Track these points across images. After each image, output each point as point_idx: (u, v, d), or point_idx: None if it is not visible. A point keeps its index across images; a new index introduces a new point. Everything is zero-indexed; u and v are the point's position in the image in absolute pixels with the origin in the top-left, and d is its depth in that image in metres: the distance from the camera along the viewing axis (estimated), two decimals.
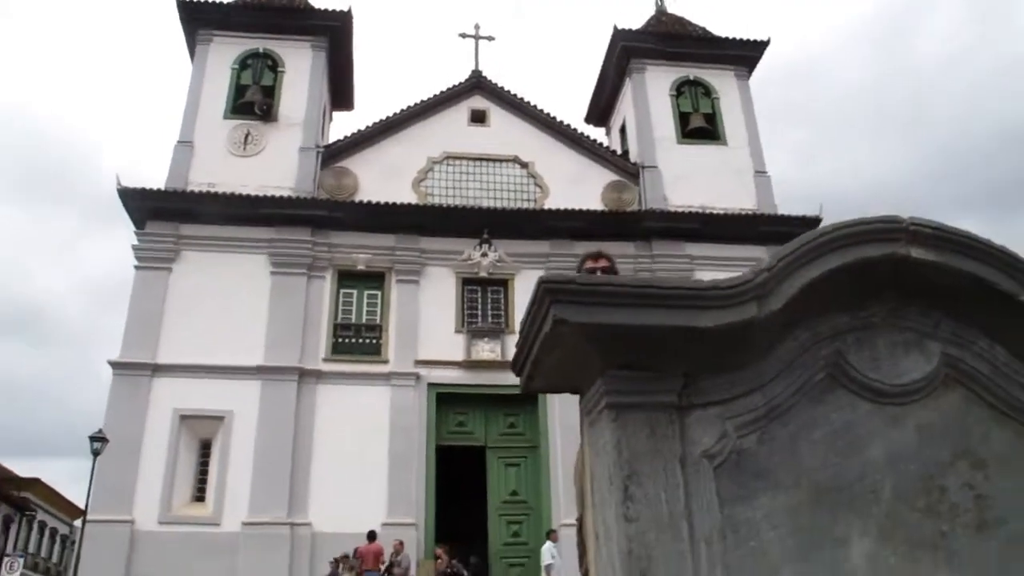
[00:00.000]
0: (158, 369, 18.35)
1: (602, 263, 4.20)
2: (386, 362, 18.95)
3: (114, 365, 18.34)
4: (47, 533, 46.62)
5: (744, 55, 23.21)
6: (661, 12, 25.20)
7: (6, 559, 27.52)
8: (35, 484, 43.78)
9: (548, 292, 2.35)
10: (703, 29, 24.06)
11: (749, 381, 2.59)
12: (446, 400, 19.04)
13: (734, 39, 23.20)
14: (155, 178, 20.19)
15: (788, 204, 21.27)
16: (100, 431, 16.75)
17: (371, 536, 16.14)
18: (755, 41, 23.26)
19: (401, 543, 16.08)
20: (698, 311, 2.40)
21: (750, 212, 20.74)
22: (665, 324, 2.38)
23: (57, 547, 47.92)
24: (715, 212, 20.56)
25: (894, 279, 2.77)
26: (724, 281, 2.47)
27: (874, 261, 2.69)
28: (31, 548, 44.78)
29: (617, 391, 2.46)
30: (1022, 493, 2.67)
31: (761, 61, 23.61)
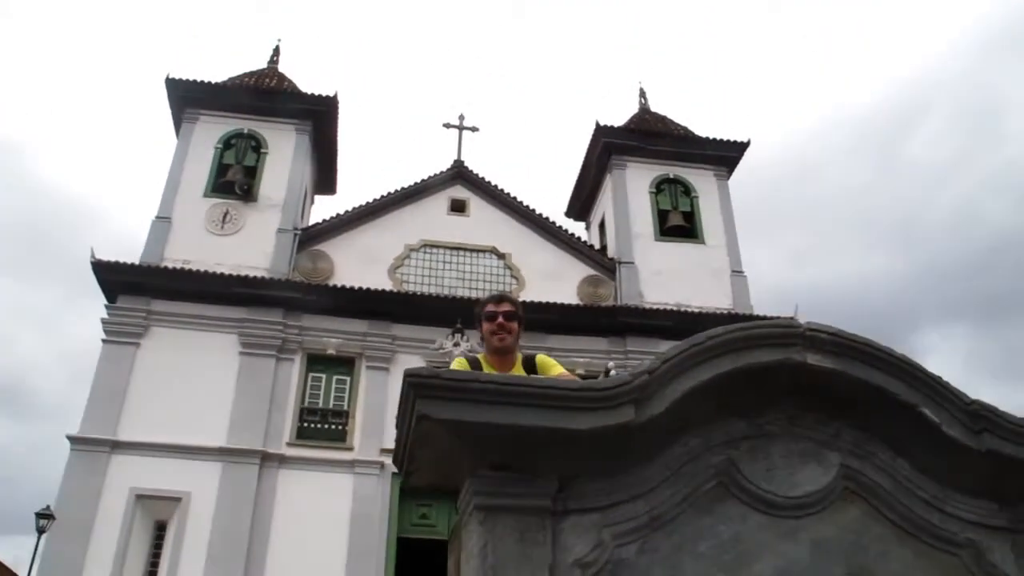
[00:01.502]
0: (117, 446, 17.88)
1: (504, 308, 3.83)
2: (351, 449, 18.56)
3: (72, 440, 17.87)
4: None
5: (724, 155, 23.49)
6: (644, 110, 25.62)
7: None
8: None
9: (412, 387, 2.25)
10: (685, 128, 24.45)
11: (631, 487, 2.48)
12: (410, 491, 18.62)
13: (714, 139, 23.53)
14: (131, 252, 20.03)
15: (780, 305, 21.34)
16: (47, 507, 16.23)
17: None
18: (735, 142, 23.59)
19: None
20: (571, 412, 2.30)
21: (725, 311, 20.71)
22: (535, 424, 2.28)
23: None
24: (690, 310, 20.51)
25: (793, 386, 2.68)
26: (600, 382, 2.37)
27: (769, 367, 2.61)
28: None
29: (486, 492, 2.35)
30: None
31: (743, 161, 23.94)
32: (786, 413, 2.69)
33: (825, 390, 2.67)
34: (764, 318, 20.53)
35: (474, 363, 3.54)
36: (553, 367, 3.68)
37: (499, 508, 2.33)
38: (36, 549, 16.44)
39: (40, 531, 16.11)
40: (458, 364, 3.46)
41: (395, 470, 18.40)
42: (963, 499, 2.71)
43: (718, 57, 76.32)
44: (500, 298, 3.95)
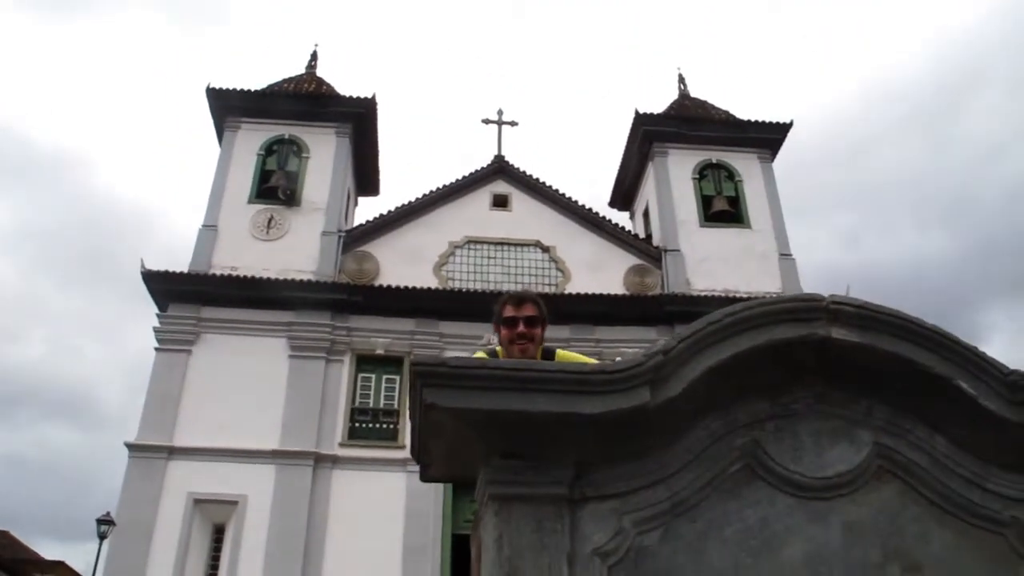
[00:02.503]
0: (174, 451, 18.21)
1: (526, 311, 3.46)
2: (403, 447, 18.61)
3: (130, 447, 18.23)
4: None
5: (767, 137, 23.13)
6: (684, 96, 25.33)
7: None
8: (58, 567, 43.42)
9: (419, 375, 2.20)
10: (726, 112, 24.11)
11: (651, 473, 2.39)
12: (463, 487, 18.66)
13: (756, 122, 23.19)
14: (181, 260, 20.33)
15: (831, 287, 20.85)
16: (107, 514, 16.58)
17: None
18: (778, 124, 23.23)
19: None
20: (582, 396, 2.23)
21: (775, 295, 20.39)
22: (547, 410, 2.21)
23: None
24: (739, 296, 20.20)
25: (819, 362, 2.57)
26: (613, 364, 2.30)
27: (791, 343, 2.50)
28: None
29: (501, 481, 2.29)
30: None
31: (788, 142, 23.53)
32: (813, 391, 2.58)
33: (853, 366, 2.56)
34: None
35: (493, 357, 3.38)
36: (576, 360, 3.42)
37: (514, 497, 2.27)
38: (98, 555, 16.79)
39: (102, 537, 16.47)
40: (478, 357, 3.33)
41: None
42: (1006, 475, 2.57)
43: (757, 36, 75.29)
44: (520, 299, 3.53)
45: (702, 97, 25.52)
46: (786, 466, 2.49)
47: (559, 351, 3.62)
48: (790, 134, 23.42)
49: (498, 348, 3.53)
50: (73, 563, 42.58)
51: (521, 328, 3.41)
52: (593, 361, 3.26)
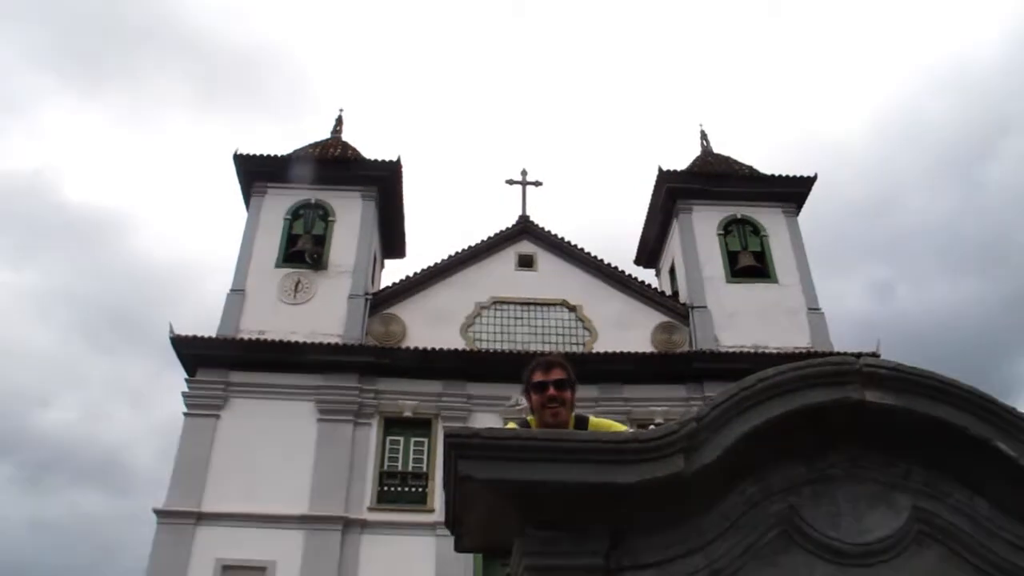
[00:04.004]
0: (202, 517, 18.16)
1: (555, 375, 3.44)
2: (432, 511, 18.46)
3: (159, 513, 18.21)
4: None
5: (792, 191, 23.15)
6: (707, 152, 25.45)
7: None
8: None
9: (453, 447, 2.21)
10: (749, 167, 24.18)
11: (688, 541, 2.37)
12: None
13: (780, 176, 23.24)
14: (209, 325, 20.51)
15: (862, 341, 20.67)
16: None
17: None
18: (802, 177, 23.25)
19: None
20: (617, 466, 2.23)
21: (804, 350, 20.21)
22: (581, 480, 2.21)
23: None
24: (768, 351, 20.06)
25: (854, 426, 2.55)
26: (647, 432, 2.29)
27: (825, 407, 2.49)
28: None
29: (536, 552, 2.28)
30: None
31: (816, 195, 23.62)
32: (848, 455, 2.56)
33: (889, 428, 2.54)
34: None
35: (524, 427, 3.35)
36: (611, 428, 3.37)
37: (550, 568, 2.26)
38: None
39: None
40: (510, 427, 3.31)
41: None
42: None
43: (781, 91, 75.68)
44: (549, 364, 3.50)
45: (725, 152, 25.64)
46: (824, 532, 2.46)
47: (592, 418, 3.60)
48: (816, 186, 23.44)
49: (529, 417, 3.53)
50: None
51: (552, 392, 3.39)
52: (625, 428, 3.24)
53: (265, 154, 22.64)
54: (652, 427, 2.82)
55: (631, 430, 2.82)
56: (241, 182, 22.82)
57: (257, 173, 22.54)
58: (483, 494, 2.24)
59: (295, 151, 23.62)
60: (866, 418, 2.53)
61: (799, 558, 2.43)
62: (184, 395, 19.54)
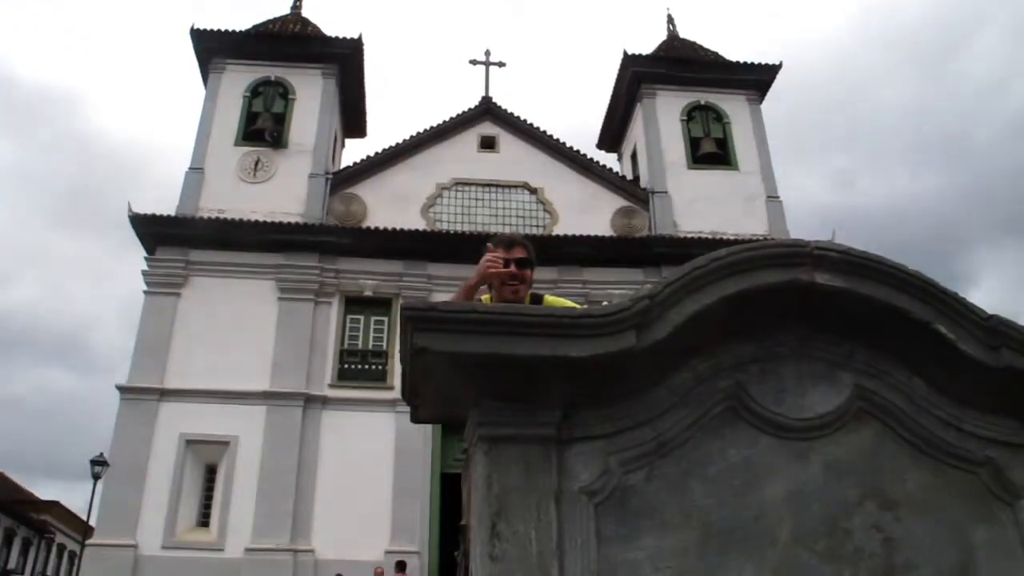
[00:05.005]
0: (165, 394, 18.35)
1: (516, 253, 3.52)
2: (392, 388, 18.78)
3: (122, 389, 18.36)
4: (65, 556, 46.80)
5: (756, 79, 23.04)
6: (673, 37, 25.12)
7: None
8: (54, 507, 44.06)
9: (409, 320, 2.24)
10: (715, 54, 23.93)
11: (637, 414, 2.45)
12: (452, 427, 18.85)
13: (745, 63, 23.06)
14: (169, 203, 20.26)
15: (820, 229, 20.92)
16: (101, 455, 16.76)
17: (402, 566, 15.95)
18: (767, 65, 23.10)
19: (382, 569, 16.01)
20: (570, 340, 2.27)
21: (761, 237, 20.49)
22: (535, 353, 2.25)
23: (75, 570, 48.03)
24: (726, 238, 20.31)
25: (803, 307, 2.62)
26: (599, 308, 2.34)
27: (776, 287, 2.55)
28: (49, 570, 45.03)
29: (490, 423, 2.34)
30: (936, 538, 2.50)
31: (785, 84, 23.59)
32: (796, 334, 2.63)
33: (836, 310, 2.61)
34: None
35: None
36: (563, 305, 3.49)
37: (503, 438, 2.32)
38: (93, 495, 17.00)
39: (96, 477, 16.64)
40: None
41: None
42: (982, 417, 2.64)
43: None
44: (511, 242, 3.59)
45: (692, 38, 25.29)
46: (769, 407, 2.55)
47: (547, 296, 3.68)
48: (786, 76, 23.40)
49: (483, 297, 3.59)
50: (68, 503, 43.19)
51: (512, 269, 3.47)
52: (579, 306, 3.32)
53: (223, 29, 21.90)
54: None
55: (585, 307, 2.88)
56: (199, 58, 22.19)
57: (215, 49, 21.90)
58: (439, 366, 2.29)
59: (254, 26, 22.94)
60: (815, 300, 2.58)
61: (744, 431, 2.52)
62: (144, 273, 19.44)
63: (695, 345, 2.52)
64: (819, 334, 2.65)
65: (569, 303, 3.57)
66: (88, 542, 18.35)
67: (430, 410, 2.61)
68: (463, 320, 2.22)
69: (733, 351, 2.60)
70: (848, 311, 2.62)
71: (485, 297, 3.63)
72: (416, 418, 2.67)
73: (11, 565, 39.10)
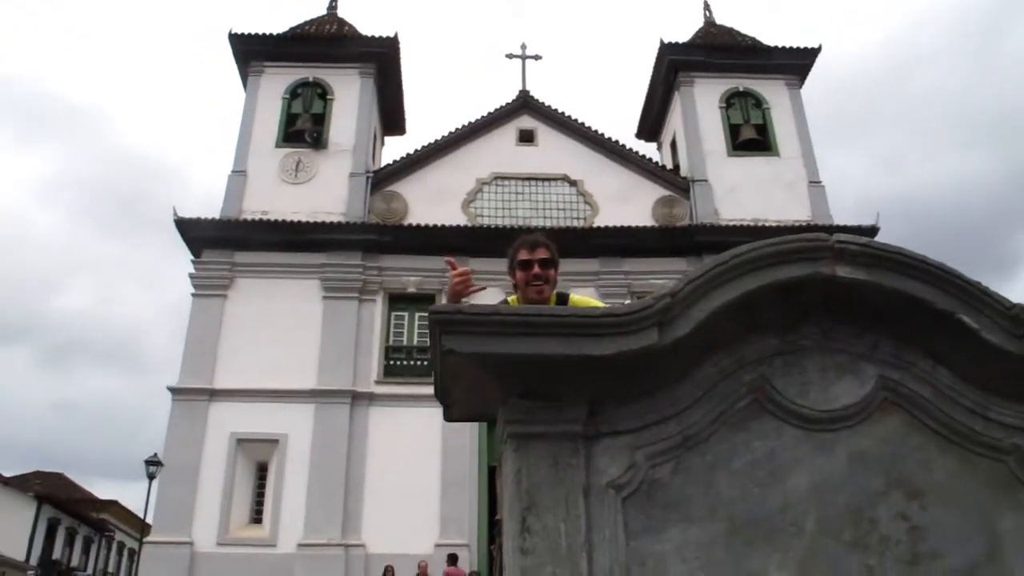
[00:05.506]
0: (215, 394, 18.73)
1: (540, 254, 3.61)
2: None
3: (173, 391, 18.78)
4: (125, 553, 47.89)
5: (795, 64, 22.81)
6: (709, 23, 24.93)
7: None
8: (112, 506, 45.11)
9: (436, 323, 2.32)
10: (752, 39, 23.73)
11: (663, 409, 2.51)
12: (496, 421, 19.01)
13: (783, 48, 22.81)
14: (213, 207, 20.68)
15: (864, 214, 20.71)
16: (155, 455, 17.20)
17: (453, 559, 16.12)
18: (805, 49, 22.84)
19: (426, 563, 16.16)
20: (593, 339, 2.33)
21: (804, 223, 20.31)
22: (559, 353, 2.32)
23: (134, 566, 49.13)
24: (767, 224, 20.19)
25: (825, 300, 2.65)
26: (622, 307, 2.40)
27: (797, 282, 2.59)
28: (110, 567, 46.11)
29: (518, 420, 2.41)
30: (962, 526, 2.52)
31: (831, 67, 23.77)
32: (820, 327, 2.66)
33: (859, 302, 2.63)
34: (843, 228, 20.09)
35: (504, 304, 3.51)
36: (588, 303, 3.58)
37: (531, 435, 2.39)
38: (148, 494, 17.43)
39: (150, 477, 17.07)
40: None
41: None
42: (1008, 405, 2.65)
43: None
44: (534, 243, 3.66)
45: (729, 24, 25.10)
46: (793, 400, 2.59)
47: (572, 295, 3.74)
48: (829, 58, 23.32)
49: (510, 298, 3.66)
50: (126, 502, 44.21)
51: (536, 270, 3.57)
52: (603, 304, 3.39)
53: (260, 33, 22.22)
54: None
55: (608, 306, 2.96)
56: (238, 62, 22.55)
57: (253, 52, 22.25)
58: (466, 367, 2.37)
59: (291, 29, 23.24)
60: (837, 292, 2.62)
61: (768, 424, 2.56)
62: (191, 276, 19.84)
63: (718, 340, 2.57)
64: (842, 326, 2.68)
65: (595, 302, 3.64)
66: (146, 540, 18.82)
67: (462, 409, 2.69)
68: (487, 322, 2.30)
69: (756, 345, 2.64)
70: (871, 303, 2.65)
71: (512, 298, 3.72)
72: (449, 417, 2.76)
73: (74, 563, 40.13)
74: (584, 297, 3.84)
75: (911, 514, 2.51)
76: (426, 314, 12.57)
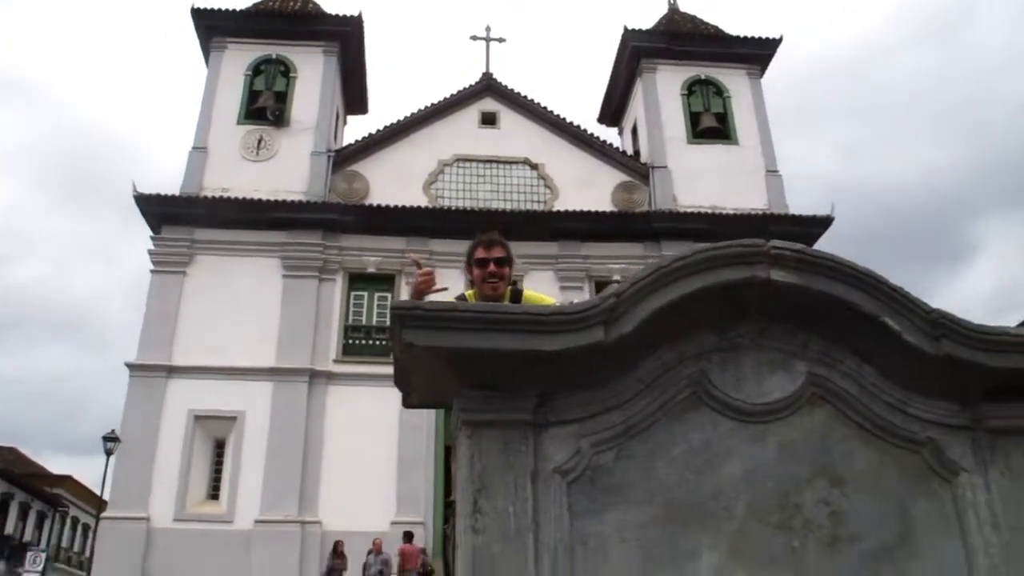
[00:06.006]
0: (173, 371, 18.68)
1: (496, 253, 3.83)
2: None
3: (131, 367, 18.68)
4: (79, 528, 47.53)
5: (756, 53, 23.10)
6: (673, 11, 25.15)
7: (30, 552, 28.22)
8: (66, 481, 44.71)
9: (397, 318, 2.48)
10: (715, 28, 23.97)
11: (607, 400, 2.69)
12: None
13: (745, 37, 23.11)
14: (170, 183, 20.52)
15: (822, 202, 20.99)
16: (113, 431, 17.17)
17: (409, 536, 16.29)
18: (767, 39, 23.16)
19: (380, 541, 16.32)
20: (543, 335, 2.51)
21: (760, 211, 20.69)
22: (511, 348, 2.49)
23: (89, 541, 48.80)
24: (725, 212, 20.52)
25: (762, 301, 2.85)
26: (570, 306, 2.57)
27: (735, 284, 2.78)
28: (64, 542, 45.77)
29: (472, 409, 2.58)
30: (879, 511, 2.74)
31: (794, 56, 23.93)
32: (756, 326, 2.86)
33: (792, 304, 2.84)
34: (799, 217, 20.50)
35: (462, 299, 3.72)
36: (542, 300, 3.79)
37: (483, 423, 2.57)
38: (105, 471, 17.39)
39: (108, 453, 17.04)
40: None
41: None
42: (925, 401, 2.88)
43: None
44: (490, 242, 3.88)
45: (693, 12, 25.32)
46: (729, 393, 2.79)
47: (526, 291, 3.93)
48: (796, 47, 23.79)
49: (467, 292, 3.85)
50: (81, 477, 43.82)
51: (492, 268, 3.77)
52: (555, 301, 3.60)
53: (224, 8, 22.00)
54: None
55: (558, 303, 3.14)
56: (200, 37, 22.32)
57: (216, 28, 22.03)
58: (425, 359, 2.53)
59: (254, 5, 23.07)
60: (772, 295, 2.82)
61: (706, 415, 2.76)
62: (150, 252, 19.71)
63: (661, 337, 2.76)
64: (776, 325, 2.89)
65: (548, 299, 3.84)
66: (102, 515, 18.77)
67: (419, 397, 2.85)
68: (445, 318, 2.47)
69: (696, 341, 2.83)
70: (803, 305, 2.86)
71: (469, 293, 3.90)
72: (408, 404, 2.92)
73: (27, 537, 39.76)
74: (537, 293, 4.04)
75: (833, 500, 2.73)
76: (385, 295, 12.86)
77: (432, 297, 3.76)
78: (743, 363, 2.85)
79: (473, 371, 2.56)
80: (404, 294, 19.76)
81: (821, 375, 2.87)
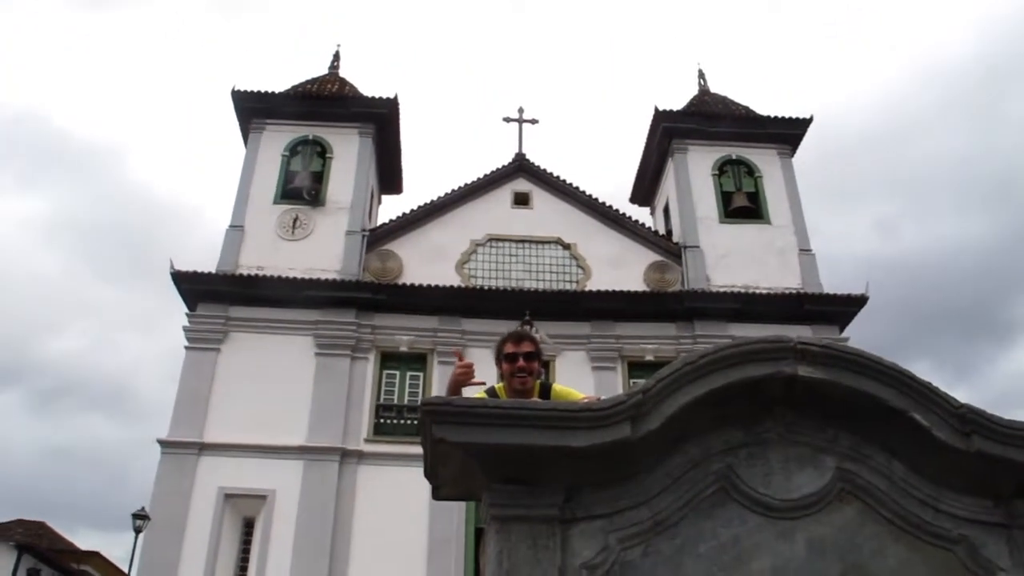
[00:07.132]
0: (204, 447, 18.70)
1: (525, 348, 3.92)
2: None
3: (162, 443, 18.74)
4: None
5: (787, 133, 23.29)
6: (703, 91, 25.49)
7: None
8: (94, 557, 44.47)
9: (428, 414, 2.53)
10: (745, 108, 24.25)
11: (635, 495, 2.71)
12: None
13: (776, 118, 23.31)
14: (211, 260, 20.87)
15: (855, 281, 20.89)
16: (143, 508, 17.16)
17: None
18: (797, 119, 23.34)
19: None
20: (570, 431, 2.55)
21: (794, 291, 20.60)
22: (539, 444, 2.53)
23: None
24: (758, 292, 20.44)
25: (789, 396, 2.87)
26: (598, 403, 2.61)
27: (761, 380, 2.81)
28: None
29: (500, 504, 2.61)
30: None
31: (825, 132, 23.91)
32: (783, 421, 2.88)
33: (820, 399, 2.86)
34: (833, 296, 20.41)
35: (492, 394, 3.77)
36: (570, 395, 3.85)
37: (512, 518, 2.59)
38: (134, 548, 17.34)
39: (137, 531, 17.01)
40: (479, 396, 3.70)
41: None
42: (956, 497, 2.86)
43: (783, 28, 74.82)
44: (519, 337, 3.99)
45: (723, 92, 25.65)
46: (757, 489, 2.79)
47: (555, 386, 3.98)
48: (826, 123, 23.71)
49: (497, 385, 3.90)
50: (108, 553, 43.62)
51: (520, 363, 3.86)
52: (583, 396, 3.64)
53: (262, 91, 22.64)
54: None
55: (588, 398, 3.18)
56: (239, 118, 22.90)
57: (255, 109, 22.61)
58: (454, 453, 2.57)
59: (292, 87, 23.65)
60: (799, 389, 2.84)
61: (733, 511, 2.76)
62: (185, 329, 19.92)
63: (687, 432, 2.78)
64: (804, 420, 2.90)
65: (577, 394, 3.87)
66: None
67: (449, 490, 2.88)
68: (475, 415, 2.51)
69: (723, 437, 2.85)
70: (831, 400, 2.87)
71: (499, 386, 3.95)
72: (437, 496, 2.94)
73: None
74: (565, 388, 4.07)
75: None
76: (417, 374, 12.86)
77: (468, 390, 3.82)
78: (771, 458, 2.86)
79: (502, 466, 2.60)
80: (436, 374, 19.80)
81: (850, 470, 2.87)
